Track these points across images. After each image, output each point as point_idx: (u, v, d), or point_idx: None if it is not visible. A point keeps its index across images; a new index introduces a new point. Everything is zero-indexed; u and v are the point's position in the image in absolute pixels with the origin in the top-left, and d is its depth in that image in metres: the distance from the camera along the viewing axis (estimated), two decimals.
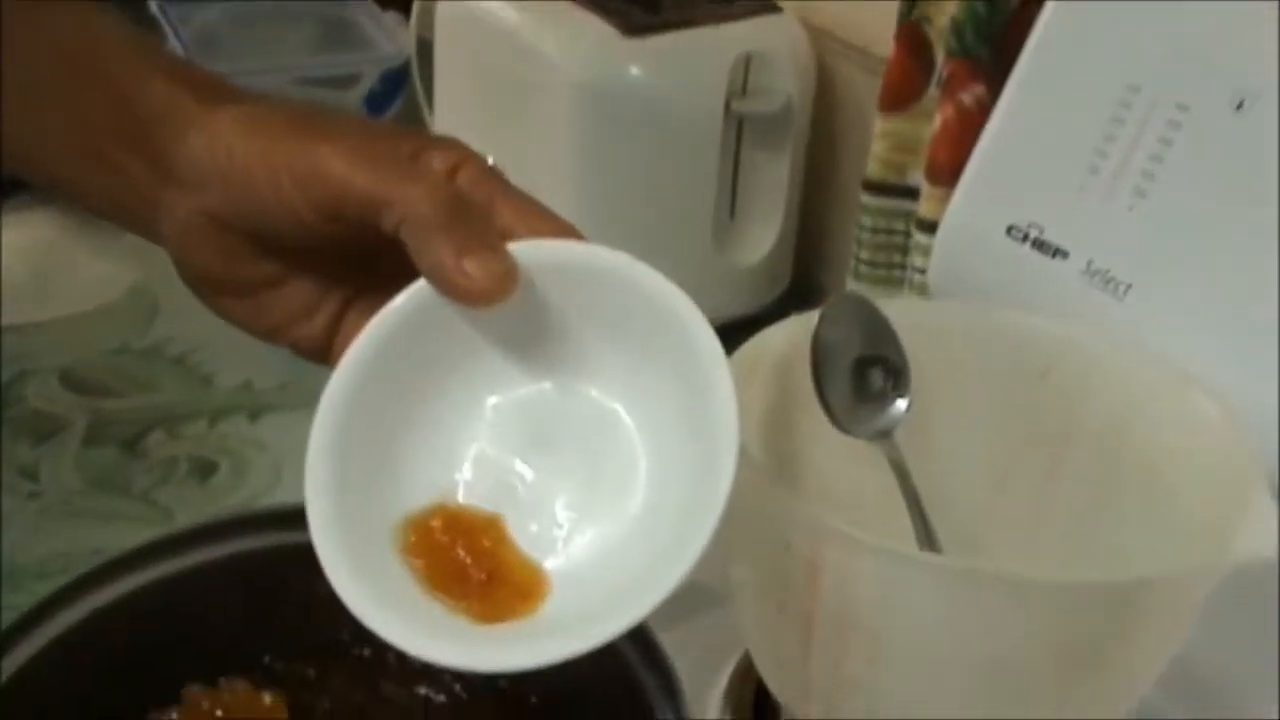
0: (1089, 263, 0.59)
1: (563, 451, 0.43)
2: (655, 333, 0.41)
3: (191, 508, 0.72)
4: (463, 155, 0.45)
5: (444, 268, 0.41)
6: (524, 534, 0.42)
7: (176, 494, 0.74)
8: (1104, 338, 0.55)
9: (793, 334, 0.53)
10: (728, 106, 0.82)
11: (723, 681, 0.59)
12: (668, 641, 0.47)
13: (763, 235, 0.89)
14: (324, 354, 0.47)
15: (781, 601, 0.46)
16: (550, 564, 0.41)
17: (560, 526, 0.42)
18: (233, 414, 0.81)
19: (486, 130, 0.88)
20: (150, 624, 0.49)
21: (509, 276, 0.42)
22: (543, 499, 0.43)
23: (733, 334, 0.89)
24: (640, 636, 0.43)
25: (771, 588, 0.46)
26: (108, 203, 0.48)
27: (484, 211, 0.43)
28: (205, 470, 0.76)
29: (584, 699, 0.44)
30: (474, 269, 0.41)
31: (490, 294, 0.41)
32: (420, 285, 0.43)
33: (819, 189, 0.94)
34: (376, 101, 1.15)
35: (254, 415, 0.81)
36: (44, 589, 0.65)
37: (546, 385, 0.44)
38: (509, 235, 0.43)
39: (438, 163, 0.44)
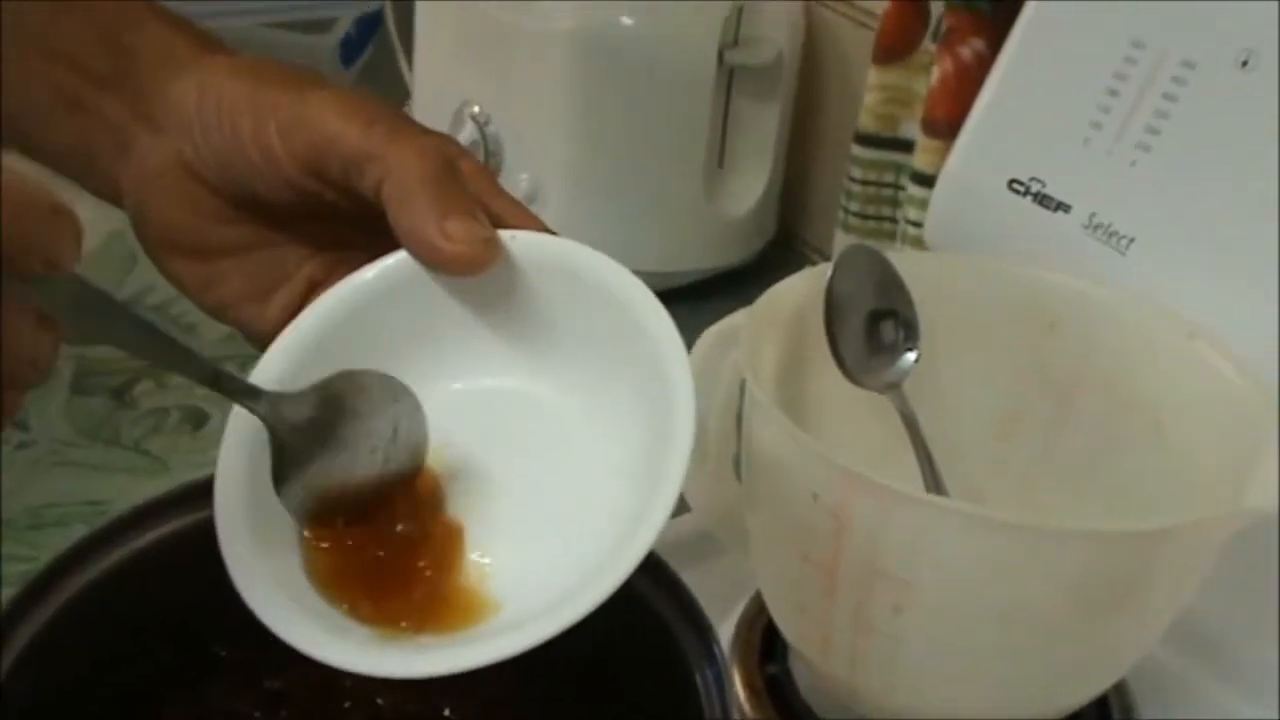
0: (1091, 216, 0.60)
1: (507, 451, 0.42)
2: (625, 340, 0.40)
3: (185, 458, 0.72)
4: (457, 146, 0.44)
5: (424, 229, 0.40)
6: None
7: (170, 444, 0.73)
8: (1110, 291, 0.55)
9: (806, 286, 0.54)
10: (720, 57, 0.82)
11: (729, 631, 0.59)
12: None
13: (751, 186, 0.89)
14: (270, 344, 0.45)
15: (806, 551, 0.46)
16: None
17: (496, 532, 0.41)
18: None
19: (470, 79, 0.87)
20: (170, 582, 0.48)
21: (491, 245, 0.40)
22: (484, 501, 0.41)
23: (720, 284, 0.90)
24: (675, 590, 0.43)
25: (796, 537, 0.47)
26: (69, 147, 0.46)
27: (471, 191, 0.42)
28: (197, 420, 0.75)
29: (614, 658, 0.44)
30: (456, 230, 0.39)
31: (471, 259, 0.40)
32: (389, 260, 0.42)
33: (804, 142, 0.94)
34: (350, 48, 1.13)
35: (243, 364, 0.79)
36: (39, 539, 0.65)
37: (508, 381, 0.43)
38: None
39: (431, 137, 0.42)
